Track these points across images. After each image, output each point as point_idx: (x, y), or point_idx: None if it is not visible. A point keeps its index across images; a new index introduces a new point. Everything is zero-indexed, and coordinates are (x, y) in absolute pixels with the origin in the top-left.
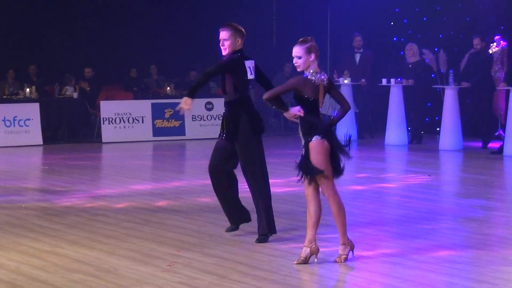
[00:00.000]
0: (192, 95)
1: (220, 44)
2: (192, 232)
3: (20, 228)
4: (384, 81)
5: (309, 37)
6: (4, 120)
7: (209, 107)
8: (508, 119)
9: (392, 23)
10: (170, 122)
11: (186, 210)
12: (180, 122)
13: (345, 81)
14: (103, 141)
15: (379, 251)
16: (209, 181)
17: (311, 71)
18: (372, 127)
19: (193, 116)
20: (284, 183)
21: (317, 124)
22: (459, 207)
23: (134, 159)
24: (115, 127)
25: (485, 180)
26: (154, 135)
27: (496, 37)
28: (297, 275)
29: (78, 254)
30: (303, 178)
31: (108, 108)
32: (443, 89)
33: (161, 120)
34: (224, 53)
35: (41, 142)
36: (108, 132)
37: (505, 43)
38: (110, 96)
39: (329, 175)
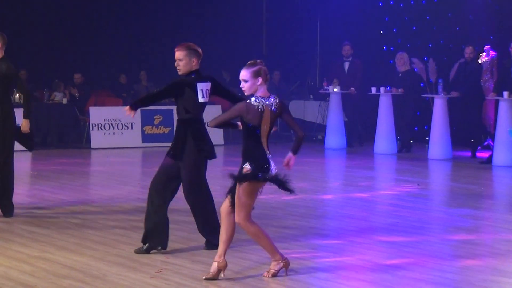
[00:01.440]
0: (135, 108)
1: (175, 65)
2: (181, 239)
3: (8, 234)
4: (373, 90)
5: (258, 60)
6: None
7: None
8: (497, 129)
9: (381, 32)
10: (159, 129)
11: (175, 217)
12: (169, 128)
13: (335, 90)
14: (92, 147)
15: (368, 260)
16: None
17: (258, 95)
18: (361, 136)
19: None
20: (274, 190)
21: (252, 153)
22: (448, 216)
23: (123, 165)
24: (104, 133)
25: (474, 190)
26: (143, 141)
27: (486, 47)
28: (285, 283)
29: (67, 260)
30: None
31: (97, 114)
32: (432, 98)
33: (150, 127)
34: (179, 73)
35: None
36: (97, 138)
37: (494, 53)
38: (100, 102)
39: (248, 206)
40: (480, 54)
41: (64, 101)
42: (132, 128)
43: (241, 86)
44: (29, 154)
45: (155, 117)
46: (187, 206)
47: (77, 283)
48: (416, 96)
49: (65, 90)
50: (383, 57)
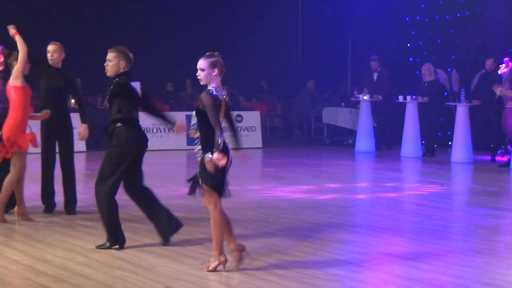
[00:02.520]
0: None
1: (105, 64)
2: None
3: (65, 228)
4: (400, 98)
5: (216, 53)
6: None
7: (238, 119)
8: None
9: (408, 45)
10: None
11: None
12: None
13: (364, 97)
14: None
15: (395, 255)
16: (237, 187)
17: (215, 86)
18: (389, 140)
19: (224, 127)
20: (308, 190)
21: (212, 141)
22: (469, 215)
23: (170, 166)
24: (152, 136)
25: (493, 191)
26: (188, 144)
27: (505, 59)
28: (319, 275)
29: (119, 252)
30: (192, 191)
31: (146, 118)
32: (455, 106)
33: (195, 131)
34: (107, 74)
35: (84, 149)
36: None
37: None
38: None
39: (215, 191)
40: (500, 66)
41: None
42: (177, 132)
43: (197, 74)
44: (83, 155)
45: None
46: (228, 203)
47: (128, 274)
48: (440, 104)
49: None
50: (410, 68)
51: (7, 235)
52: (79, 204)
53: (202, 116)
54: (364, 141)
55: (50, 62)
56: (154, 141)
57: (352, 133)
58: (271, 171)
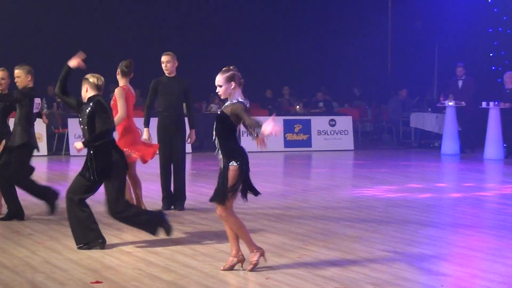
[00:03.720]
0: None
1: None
2: (317, 229)
3: (173, 222)
4: (484, 104)
5: (231, 67)
6: None
7: (332, 123)
8: None
9: (491, 55)
10: (299, 136)
11: (312, 210)
12: (308, 136)
13: (450, 103)
14: None
15: (479, 250)
16: (332, 182)
17: (240, 98)
18: (473, 144)
19: (319, 131)
20: (397, 189)
21: (238, 152)
22: None
23: (268, 166)
24: (252, 139)
25: None
26: (285, 146)
27: None
28: (411, 269)
29: (222, 245)
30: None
31: None
32: None
33: (291, 134)
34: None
35: (189, 150)
36: (247, 143)
37: None
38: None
39: (232, 201)
40: None
41: (219, 111)
42: (275, 135)
43: (217, 91)
44: (189, 156)
45: (295, 125)
46: (323, 202)
47: None
48: None
49: (220, 102)
50: (493, 76)
51: (120, 229)
52: (187, 201)
53: (225, 125)
54: (450, 144)
55: (165, 72)
56: (254, 144)
57: (438, 136)
58: (363, 171)
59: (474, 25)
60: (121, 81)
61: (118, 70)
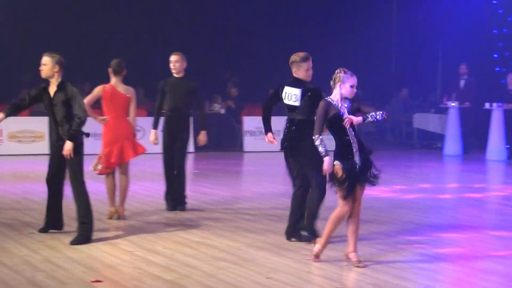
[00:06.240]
0: None
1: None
2: (318, 229)
3: (175, 222)
4: (487, 105)
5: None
6: None
7: None
8: None
9: (495, 56)
10: None
11: None
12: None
13: (452, 104)
14: (244, 150)
15: (479, 251)
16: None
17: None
18: (474, 144)
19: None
20: (399, 189)
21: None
22: None
23: (271, 166)
24: (255, 138)
25: None
26: None
27: None
28: (411, 270)
29: (223, 245)
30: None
31: (250, 122)
32: None
33: None
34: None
35: (192, 150)
36: (249, 143)
37: None
38: (252, 113)
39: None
40: None
41: (222, 111)
42: (278, 135)
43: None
44: (192, 156)
45: None
46: (326, 201)
47: (231, 265)
48: None
49: (223, 102)
50: (496, 77)
51: (120, 228)
52: (188, 200)
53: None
54: (452, 145)
55: (173, 71)
56: (258, 144)
57: (441, 137)
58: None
59: (478, 26)
60: (112, 80)
61: (110, 69)
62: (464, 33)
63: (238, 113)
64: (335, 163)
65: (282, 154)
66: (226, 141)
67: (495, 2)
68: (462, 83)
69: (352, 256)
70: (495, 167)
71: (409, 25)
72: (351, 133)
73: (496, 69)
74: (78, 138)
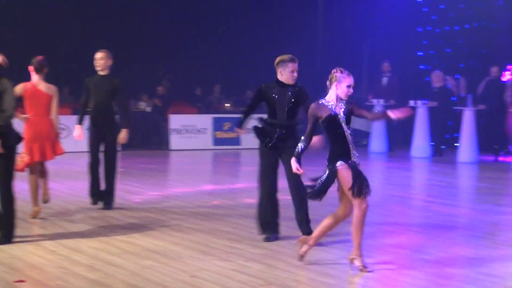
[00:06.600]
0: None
1: None
2: (244, 227)
3: (99, 221)
4: (411, 103)
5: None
6: None
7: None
8: None
9: (419, 54)
10: (228, 134)
11: (240, 208)
12: (237, 133)
13: (379, 102)
14: (171, 148)
15: (403, 247)
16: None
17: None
18: (399, 141)
19: (248, 129)
20: None
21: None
22: (474, 211)
23: (197, 165)
24: (181, 137)
25: (496, 189)
26: (214, 144)
27: (509, 67)
28: (337, 267)
29: (148, 244)
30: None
31: (176, 120)
32: (462, 110)
33: (221, 132)
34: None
35: (119, 148)
36: (175, 141)
37: None
38: (178, 111)
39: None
40: (504, 73)
41: (148, 109)
42: (205, 133)
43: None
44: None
45: (224, 123)
46: (251, 200)
47: (156, 264)
48: (448, 108)
49: (149, 100)
50: (421, 75)
51: (44, 228)
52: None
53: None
54: (378, 142)
55: (97, 69)
56: (184, 142)
57: (367, 135)
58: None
59: (403, 24)
60: (33, 78)
61: (31, 66)
62: (390, 31)
63: (164, 111)
64: (338, 164)
65: (207, 152)
66: (153, 140)
67: (420, 0)
68: (385, 80)
69: (357, 261)
70: (419, 164)
71: (335, 23)
72: (347, 132)
73: (421, 67)
74: (8, 135)
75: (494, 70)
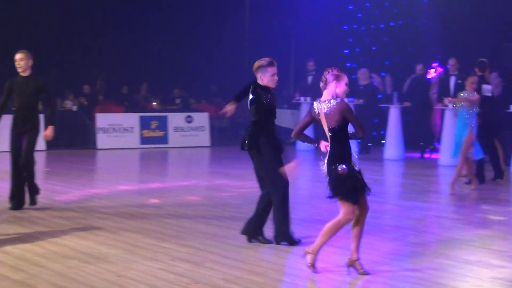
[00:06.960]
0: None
1: None
2: (171, 226)
3: (24, 221)
4: None
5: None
6: None
7: (189, 120)
8: (443, 134)
9: (345, 51)
10: (155, 132)
11: (167, 207)
12: (164, 132)
13: (306, 100)
14: (98, 147)
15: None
16: (187, 183)
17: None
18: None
19: (175, 128)
20: (253, 185)
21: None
22: (400, 208)
23: (124, 164)
24: (108, 136)
25: (422, 185)
26: (141, 143)
27: (434, 64)
28: (264, 265)
29: (74, 243)
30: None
31: (103, 119)
32: (388, 108)
33: (148, 131)
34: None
35: (44, 148)
36: (102, 140)
37: (441, 69)
38: (105, 110)
39: (346, 199)
40: (429, 70)
41: (74, 108)
42: (132, 132)
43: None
44: (43, 154)
45: (152, 122)
46: (178, 199)
47: (82, 263)
48: (374, 106)
49: (75, 99)
50: (347, 73)
51: None
52: (39, 199)
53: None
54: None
55: (19, 70)
56: (111, 141)
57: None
58: (219, 168)
59: (329, 22)
60: None
61: None
62: (315, 29)
63: (90, 110)
64: (339, 167)
65: (134, 151)
66: (79, 139)
67: None
68: (309, 79)
69: (357, 264)
70: None
71: (262, 21)
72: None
73: (347, 64)
74: None
75: (419, 67)
